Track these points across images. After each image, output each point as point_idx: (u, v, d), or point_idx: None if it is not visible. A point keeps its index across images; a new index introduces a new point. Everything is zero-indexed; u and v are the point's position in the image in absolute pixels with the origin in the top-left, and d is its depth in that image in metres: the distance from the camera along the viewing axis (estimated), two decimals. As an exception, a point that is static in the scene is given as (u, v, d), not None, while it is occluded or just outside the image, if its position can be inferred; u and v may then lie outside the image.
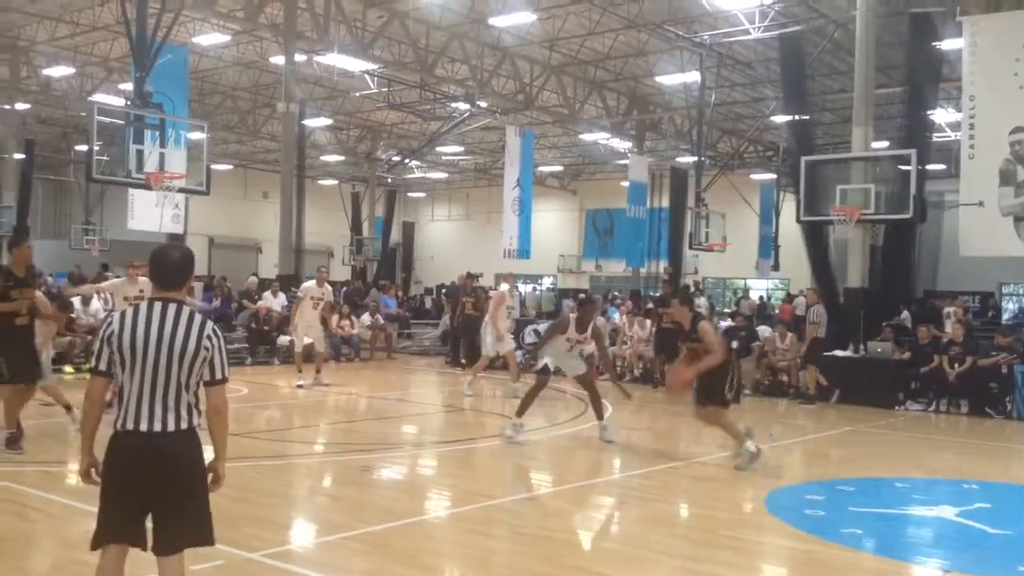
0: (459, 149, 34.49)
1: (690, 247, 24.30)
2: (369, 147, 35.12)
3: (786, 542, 6.56)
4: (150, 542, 3.86)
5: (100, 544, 3.84)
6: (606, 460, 9.94)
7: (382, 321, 21.21)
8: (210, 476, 3.98)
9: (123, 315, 3.84)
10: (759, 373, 15.72)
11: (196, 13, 18.51)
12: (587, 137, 29.91)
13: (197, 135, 14.87)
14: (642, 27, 20.80)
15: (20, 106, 26.88)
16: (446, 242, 42.06)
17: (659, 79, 24.23)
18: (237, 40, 22.60)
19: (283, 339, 18.31)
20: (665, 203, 27.67)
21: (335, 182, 37.23)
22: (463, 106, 25.91)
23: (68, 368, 14.98)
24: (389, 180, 37.45)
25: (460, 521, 6.88)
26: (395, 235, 37.72)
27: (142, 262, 10.32)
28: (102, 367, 3.81)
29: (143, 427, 3.75)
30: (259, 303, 19.00)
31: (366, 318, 20.89)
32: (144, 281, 10.11)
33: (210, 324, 3.93)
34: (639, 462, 9.59)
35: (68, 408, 9.36)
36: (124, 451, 3.76)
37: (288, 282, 20.43)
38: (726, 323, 17.99)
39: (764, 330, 16.81)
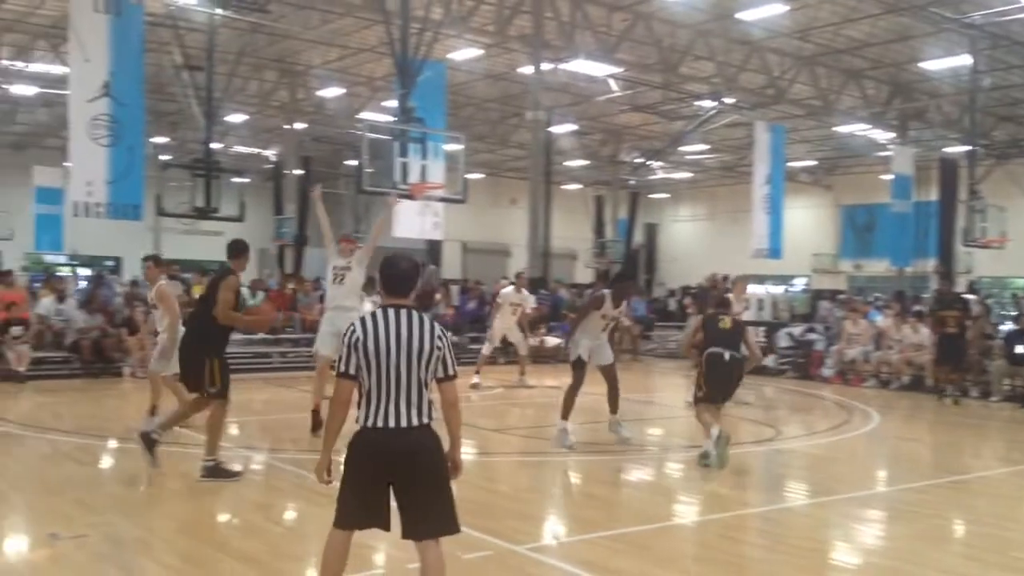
0: (704, 148, 33.86)
1: (963, 244, 22.39)
2: (612, 150, 35.32)
3: (1089, 570, 5.89)
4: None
5: (345, 526, 4.23)
6: (873, 471, 9.41)
7: (626, 323, 21.24)
8: (448, 465, 4.21)
9: (364, 322, 4.13)
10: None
11: (451, 30, 19.45)
12: (843, 129, 28.34)
13: (454, 147, 15.61)
14: (904, 11, 19.43)
15: (298, 126, 29.55)
16: (690, 243, 41.45)
17: (924, 64, 22.52)
18: (488, 53, 23.52)
19: (532, 340, 18.83)
20: (933, 197, 25.66)
21: (579, 186, 37.77)
22: (709, 104, 25.42)
23: (342, 365, 16.28)
24: (632, 182, 37.45)
25: (717, 527, 6.76)
26: (638, 237, 37.65)
27: (355, 239, 10.65)
28: (350, 371, 4.10)
29: (392, 424, 4.04)
30: (511, 305, 19.65)
31: (612, 320, 21.03)
32: (358, 256, 10.12)
33: (438, 326, 4.21)
34: (912, 474, 9.00)
35: (153, 410, 9.53)
36: (375, 446, 4.06)
37: (537, 284, 21.01)
38: (1008, 326, 16.38)
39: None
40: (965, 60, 20.60)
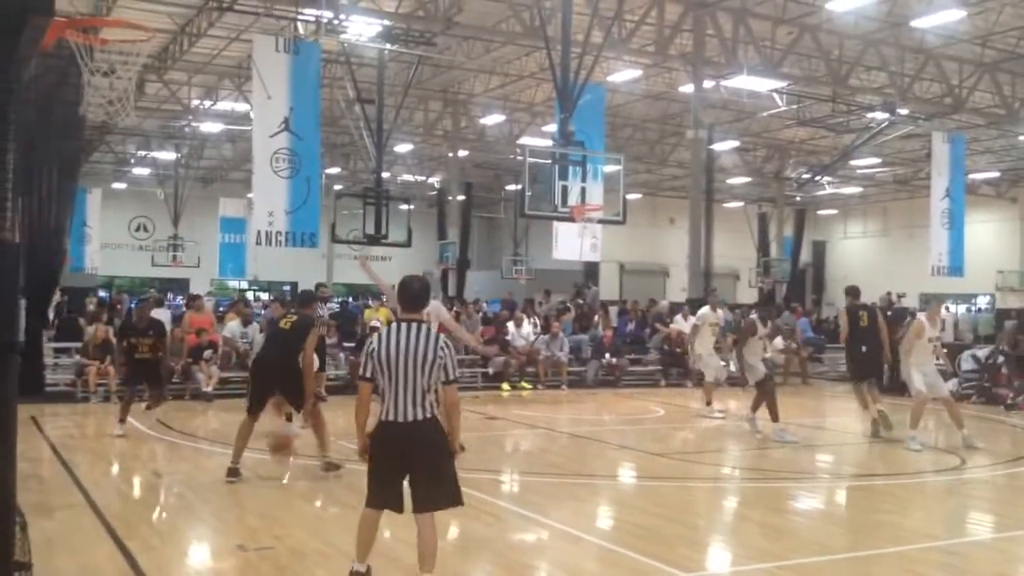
0: (875, 161, 32.40)
1: None
2: (777, 166, 34.35)
3: None
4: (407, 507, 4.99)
5: (373, 506, 5.11)
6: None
7: (794, 345, 20.52)
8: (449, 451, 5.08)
9: (380, 335, 5.00)
10: None
11: (611, 53, 19.51)
12: (1029, 138, 26.56)
13: (613, 168, 15.61)
14: (1097, 8, 18.04)
15: (461, 153, 30.41)
16: (861, 260, 39.63)
17: (1122, 64, 20.80)
18: (647, 73, 23.45)
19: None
20: None
21: (740, 204, 36.93)
22: (881, 115, 24.32)
23: (504, 385, 16.77)
24: (798, 198, 36.29)
25: (897, 560, 6.41)
26: (805, 255, 36.36)
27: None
28: (367, 375, 4.99)
29: (401, 418, 4.89)
30: (671, 326, 19.41)
31: (779, 342, 20.33)
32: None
33: (442, 338, 5.01)
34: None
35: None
36: (388, 435, 4.95)
37: (697, 305, 20.62)
38: None
39: None
40: None
